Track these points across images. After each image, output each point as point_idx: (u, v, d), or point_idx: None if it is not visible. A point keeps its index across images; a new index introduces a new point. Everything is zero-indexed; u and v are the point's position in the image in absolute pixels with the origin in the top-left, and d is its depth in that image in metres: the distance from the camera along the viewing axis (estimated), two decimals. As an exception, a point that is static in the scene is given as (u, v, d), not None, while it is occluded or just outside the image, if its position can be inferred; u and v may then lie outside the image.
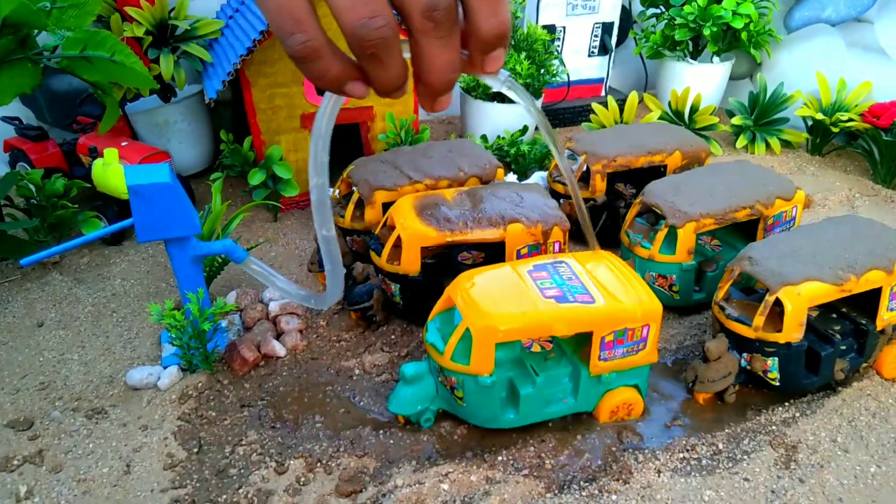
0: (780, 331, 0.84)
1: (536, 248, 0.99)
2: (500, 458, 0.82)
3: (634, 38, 1.96)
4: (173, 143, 1.46)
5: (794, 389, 0.91)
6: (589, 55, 1.88)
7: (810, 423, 0.88)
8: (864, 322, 0.91)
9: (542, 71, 1.58)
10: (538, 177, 1.40)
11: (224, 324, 1.03)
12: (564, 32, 1.81)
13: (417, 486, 0.77)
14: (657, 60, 1.95)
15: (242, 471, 0.80)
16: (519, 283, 0.81)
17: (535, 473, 0.80)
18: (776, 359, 0.86)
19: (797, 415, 0.89)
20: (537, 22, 1.75)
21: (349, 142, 1.49)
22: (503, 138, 1.54)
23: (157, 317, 0.89)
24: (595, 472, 0.80)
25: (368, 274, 1.02)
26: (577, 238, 1.27)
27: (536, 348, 0.88)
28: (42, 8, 0.97)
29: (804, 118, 1.70)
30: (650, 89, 2.09)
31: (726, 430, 0.87)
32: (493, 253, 1.03)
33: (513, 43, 1.55)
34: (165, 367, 0.94)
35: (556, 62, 1.63)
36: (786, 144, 1.75)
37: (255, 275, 0.90)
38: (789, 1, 1.87)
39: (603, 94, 1.96)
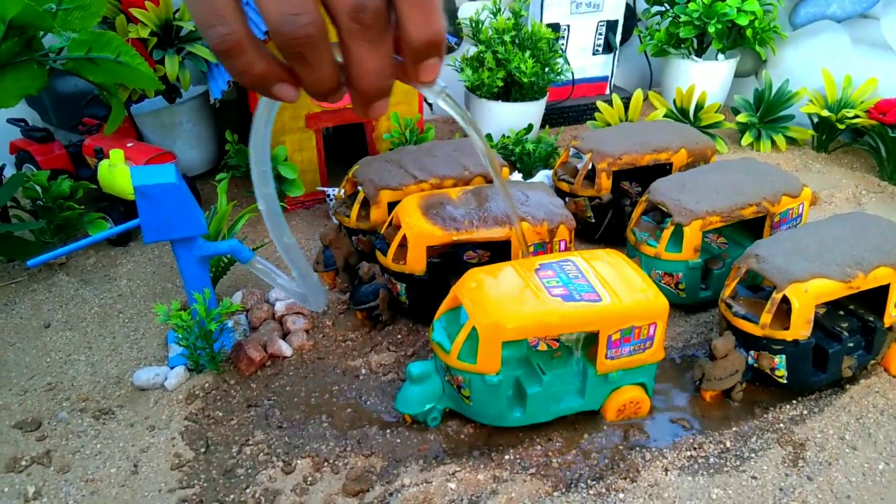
0: (787, 328, 0.84)
1: (542, 247, 0.99)
2: (507, 456, 0.82)
3: (639, 36, 1.95)
4: (179, 144, 1.46)
5: (802, 387, 0.91)
6: (593, 53, 1.88)
7: (818, 420, 0.87)
8: (871, 319, 0.90)
9: (547, 69, 1.58)
10: (543, 175, 1.40)
11: (230, 324, 1.03)
12: (569, 31, 1.81)
13: (425, 485, 0.77)
14: (662, 58, 1.94)
15: (250, 470, 0.80)
16: (525, 281, 0.81)
17: (542, 472, 0.80)
18: (784, 356, 0.86)
19: (805, 412, 0.89)
20: (541, 20, 1.75)
21: (354, 141, 1.49)
22: (508, 137, 1.53)
23: (164, 317, 0.89)
24: (602, 470, 0.80)
25: (374, 273, 1.02)
26: (583, 236, 1.27)
27: (543, 347, 0.88)
28: (48, 10, 0.97)
29: (810, 115, 1.69)
30: (655, 87, 2.09)
31: (734, 428, 0.87)
32: (498, 252, 1.03)
33: (517, 41, 1.55)
34: (172, 368, 0.94)
35: (560, 60, 1.63)
36: (791, 141, 1.75)
37: (260, 274, 0.90)
38: (794, -3, 1.86)
39: (607, 92, 1.95)
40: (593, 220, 1.24)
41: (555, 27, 1.77)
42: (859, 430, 0.86)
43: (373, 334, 1.04)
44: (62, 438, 0.85)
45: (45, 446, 0.84)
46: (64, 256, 1.22)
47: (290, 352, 0.99)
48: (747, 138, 1.72)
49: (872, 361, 0.93)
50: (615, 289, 0.80)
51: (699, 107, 1.62)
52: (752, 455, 0.82)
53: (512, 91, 1.58)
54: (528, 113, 1.60)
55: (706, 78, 1.83)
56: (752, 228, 1.11)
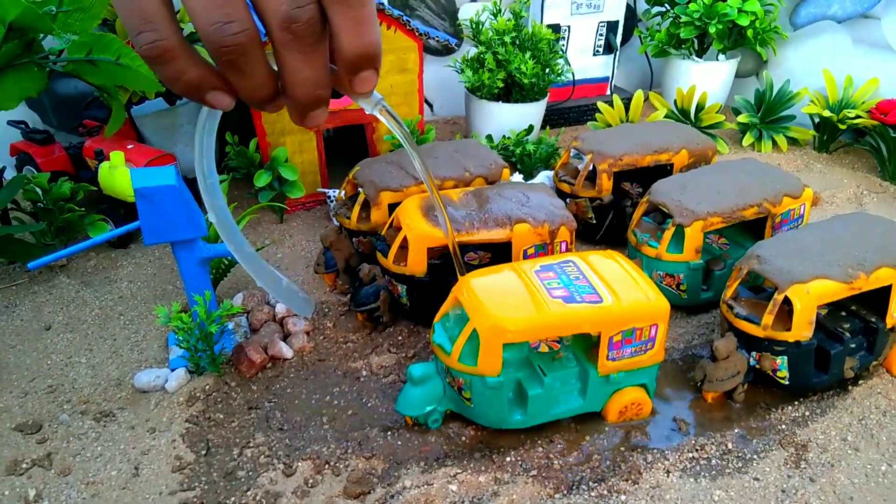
0: (789, 329, 0.84)
1: (543, 248, 0.99)
2: (508, 458, 0.82)
3: (639, 37, 1.96)
4: (179, 146, 1.46)
5: (804, 388, 0.90)
6: (594, 54, 1.88)
7: (820, 421, 0.87)
8: (873, 320, 0.90)
9: (548, 70, 1.58)
10: (544, 176, 1.40)
11: (231, 326, 1.03)
12: (569, 32, 1.81)
13: (426, 487, 0.77)
14: (662, 59, 1.94)
15: (250, 473, 0.80)
16: (526, 283, 0.81)
17: (543, 474, 0.80)
18: (785, 357, 0.86)
19: (807, 414, 0.89)
20: (542, 21, 1.75)
21: (355, 143, 1.49)
22: (508, 138, 1.53)
23: (165, 319, 0.89)
24: (604, 472, 0.80)
25: (375, 275, 1.02)
26: (583, 238, 1.27)
27: (544, 348, 0.88)
28: (48, 12, 0.97)
29: (811, 115, 1.69)
30: (656, 88, 2.09)
31: (735, 430, 0.86)
32: (499, 253, 1.03)
33: (517, 42, 1.55)
34: (173, 370, 0.94)
35: (560, 61, 1.63)
36: (792, 142, 1.75)
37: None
38: (795, -2, 1.86)
39: (608, 92, 1.95)
40: (594, 221, 1.24)
41: (555, 28, 1.77)
42: (862, 432, 0.86)
43: (373, 336, 1.04)
44: (63, 441, 0.85)
45: (46, 449, 0.83)
46: (64, 258, 1.22)
47: (291, 354, 0.99)
48: (748, 139, 1.72)
49: (874, 362, 0.93)
50: (616, 290, 0.80)
51: (700, 107, 1.62)
52: (755, 457, 0.82)
53: (512, 92, 1.58)
54: (528, 114, 1.60)
55: (707, 78, 1.83)
56: (753, 229, 1.11)
